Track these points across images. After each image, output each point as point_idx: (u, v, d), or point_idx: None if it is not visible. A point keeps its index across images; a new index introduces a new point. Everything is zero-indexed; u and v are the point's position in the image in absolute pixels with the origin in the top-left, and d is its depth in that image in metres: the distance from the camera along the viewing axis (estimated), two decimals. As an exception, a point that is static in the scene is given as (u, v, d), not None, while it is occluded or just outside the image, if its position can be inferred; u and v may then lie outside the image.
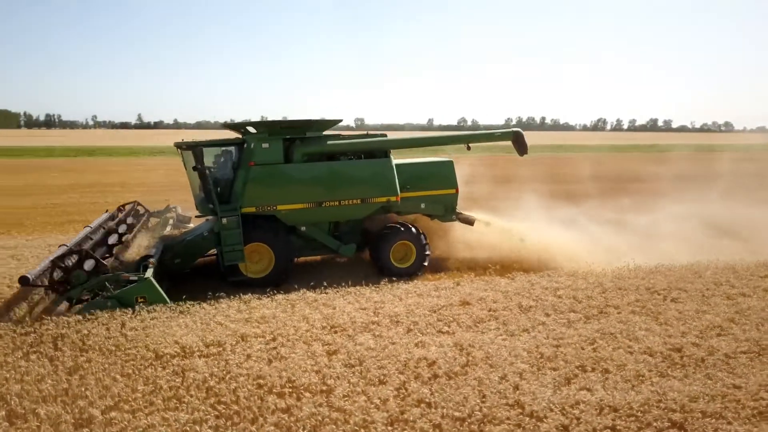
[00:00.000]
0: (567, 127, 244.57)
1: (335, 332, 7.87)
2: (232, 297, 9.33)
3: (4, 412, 5.82)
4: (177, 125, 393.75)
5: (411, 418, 5.63)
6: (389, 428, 5.52)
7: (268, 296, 9.44)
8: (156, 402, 5.99)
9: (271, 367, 6.76)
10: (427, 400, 5.98)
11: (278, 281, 10.54)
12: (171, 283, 9.87)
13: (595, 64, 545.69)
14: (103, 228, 11.00)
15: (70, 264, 8.73)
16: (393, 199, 11.36)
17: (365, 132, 12.31)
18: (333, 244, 11.60)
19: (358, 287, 9.96)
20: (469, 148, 12.62)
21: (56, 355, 7.11)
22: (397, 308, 8.77)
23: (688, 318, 8.43)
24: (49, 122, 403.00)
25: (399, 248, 11.39)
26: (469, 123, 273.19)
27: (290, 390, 6.23)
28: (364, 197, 11.19)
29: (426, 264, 11.62)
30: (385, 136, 11.82)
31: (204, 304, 9.00)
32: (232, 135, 12.05)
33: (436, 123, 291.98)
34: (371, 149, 11.58)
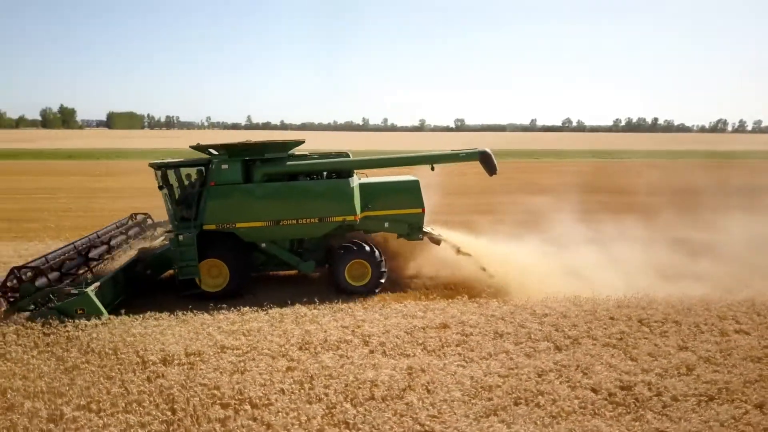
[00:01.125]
0: (682, 129, 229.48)
1: (305, 349, 8.45)
2: (232, 309, 10.19)
3: (-4, 405, 6.93)
4: (283, 126, 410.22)
5: (325, 437, 6.13)
6: (302, 445, 6.06)
7: (264, 310, 10.18)
8: (119, 404, 6.86)
9: (232, 379, 7.46)
10: (349, 421, 6.43)
11: (233, 295, 11.26)
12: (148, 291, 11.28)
13: (716, 60, 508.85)
14: (74, 245, 11.99)
15: (24, 277, 9.84)
16: (350, 218, 11.69)
17: (331, 152, 12.75)
18: (293, 261, 12.08)
19: (350, 304, 10.49)
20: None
21: (63, 356, 8.22)
22: (374, 328, 9.20)
23: (662, 354, 8.24)
24: (169, 123, 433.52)
25: (355, 267, 11.66)
26: (575, 123, 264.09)
27: (236, 402, 6.90)
28: (322, 216, 11.60)
29: (382, 281, 11.84)
30: (348, 156, 12.24)
31: (205, 315, 9.92)
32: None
33: (539, 123, 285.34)
34: (332, 169, 11.98)
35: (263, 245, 11.89)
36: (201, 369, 7.78)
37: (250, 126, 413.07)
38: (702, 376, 7.54)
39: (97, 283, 10.14)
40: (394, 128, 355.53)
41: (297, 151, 12.48)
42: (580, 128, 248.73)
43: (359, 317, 9.74)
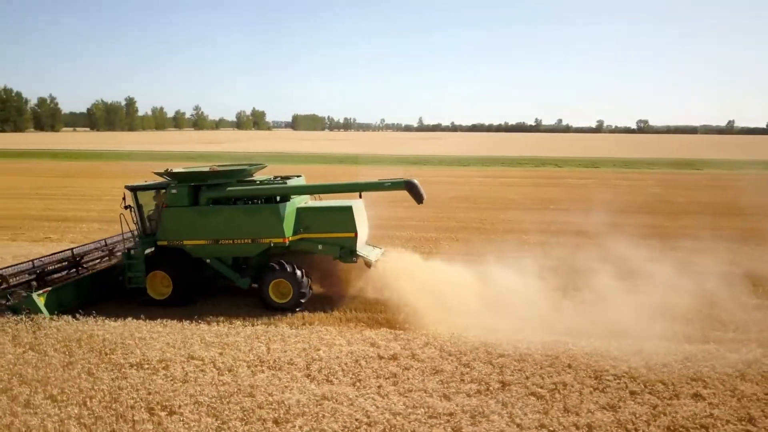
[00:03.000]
0: None
1: (252, 366, 9.44)
2: (235, 320, 11.65)
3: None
4: (453, 127, 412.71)
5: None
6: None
7: (254, 325, 11.38)
8: (77, 399, 8.39)
9: (173, 386, 8.69)
10: (227, 438, 7.32)
11: (178, 304, 12.79)
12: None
13: None
14: (72, 251, 14.07)
15: None
16: (279, 240, 12.64)
17: (291, 176, 13.96)
18: (233, 277, 13.18)
19: (330, 327, 11.27)
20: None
21: (70, 352, 10.10)
22: (326, 353, 9.89)
23: (582, 413, 7.93)
24: (347, 125, 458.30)
25: (278, 285, 12.55)
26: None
27: (161, 408, 8.11)
28: (254, 237, 12.74)
29: (303, 301, 12.62)
30: (285, 183, 13.28)
31: (202, 324, 11.36)
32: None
33: (738, 124, 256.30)
34: (268, 194, 13.00)
35: (208, 261, 13.19)
36: (159, 375, 9.13)
37: (422, 128, 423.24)
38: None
39: (48, 288, 12.18)
40: (568, 129, 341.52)
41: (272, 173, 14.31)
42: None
43: (326, 340, 10.48)
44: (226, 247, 13.02)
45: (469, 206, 30.57)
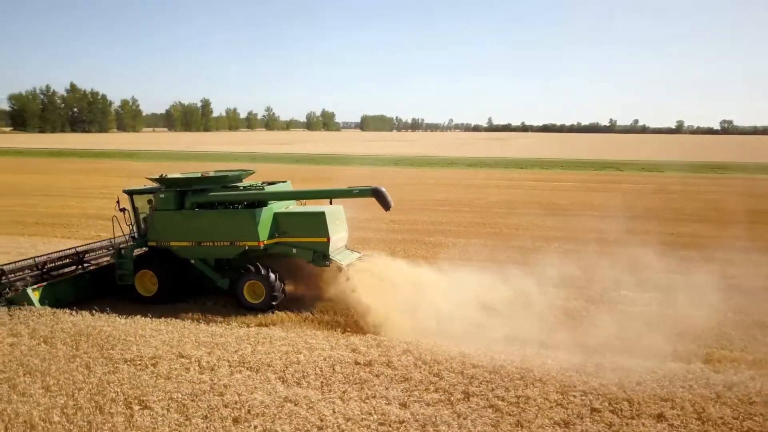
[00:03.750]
0: None
1: (234, 366, 9.92)
2: (233, 321, 12.28)
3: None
4: (524, 128, 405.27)
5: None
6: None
7: (250, 326, 11.92)
8: (68, 390, 9.09)
9: (155, 384, 9.26)
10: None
11: (164, 301, 13.66)
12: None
13: None
14: (75, 249, 15.21)
15: None
16: (254, 243, 13.24)
17: (276, 182, 14.74)
18: (214, 277, 13.97)
19: (318, 332, 11.64)
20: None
21: (77, 346, 10.92)
22: (305, 357, 10.23)
23: (533, 427, 7.93)
24: (415, 125, 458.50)
25: (252, 287, 13.26)
26: None
27: (137, 402, 8.69)
28: (232, 240, 13.44)
29: (274, 303, 13.18)
30: (263, 189, 13.80)
31: (204, 324, 12.00)
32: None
33: None
34: (246, 200, 13.70)
35: (192, 261, 13.98)
36: (147, 371, 9.76)
37: (491, 128, 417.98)
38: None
39: (43, 283, 13.37)
40: (645, 130, 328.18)
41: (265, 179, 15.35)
42: None
43: (310, 344, 10.84)
44: (208, 249, 13.79)
45: (509, 211, 30.27)
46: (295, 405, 8.54)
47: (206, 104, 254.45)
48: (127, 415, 8.31)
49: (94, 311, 12.73)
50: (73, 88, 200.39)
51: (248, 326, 12.00)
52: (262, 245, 13.33)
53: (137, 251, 14.30)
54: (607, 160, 73.86)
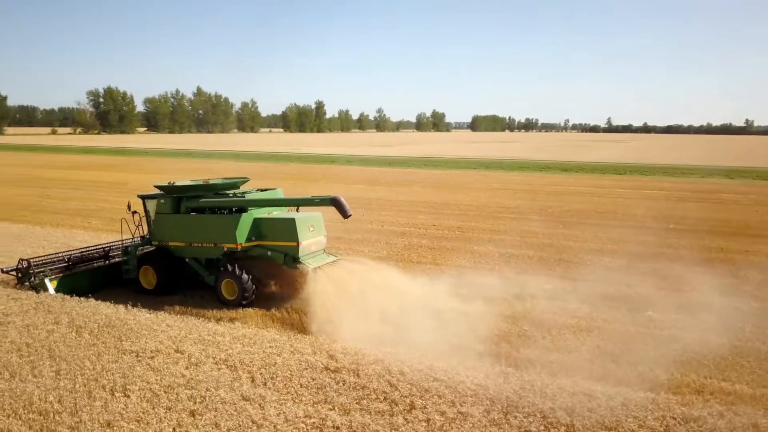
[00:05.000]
0: None
1: (217, 363, 10.86)
2: (238, 321, 13.33)
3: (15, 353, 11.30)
4: (646, 128, 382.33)
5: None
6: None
7: (255, 327, 12.89)
8: (71, 375, 10.38)
9: (143, 375, 10.36)
10: (139, 418, 8.83)
11: (161, 293, 15.44)
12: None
13: None
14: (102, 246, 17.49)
15: (24, 266, 15.67)
16: (232, 246, 14.58)
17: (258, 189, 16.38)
18: (203, 273, 15.44)
19: (308, 336, 12.33)
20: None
21: (101, 335, 12.40)
22: (283, 360, 10.95)
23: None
24: (528, 125, 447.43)
25: (228, 284, 14.58)
26: None
27: (121, 390, 9.83)
28: (215, 242, 14.90)
29: (245, 301, 14.41)
30: (243, 196, 15.32)
31: (213, 323, 13.10)
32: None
33: None
34: (229, 206, 15.10)
35: (187, 260, 15.55)
36: (143, 363, 10.93)
37: (610, 129, 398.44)
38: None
39: (60, 274, 15.63)
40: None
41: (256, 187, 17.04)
42: None
43: (294, 348, 11.59)
44: (197, 249, 15.38)
45: (578, 221, 29.37)
46: (249, 403, 9.30)
47: (320, 106, 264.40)
48: (107, 400, 9.46)
49: (129, 305, 14.28)
50: (199, 92, 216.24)
51: (250, 327, 12.92)
52: (239, 247, 14.63)
53: (141, 249, 16.22)
54: (728, 167, 68.39)
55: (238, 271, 14.42)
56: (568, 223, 28.80)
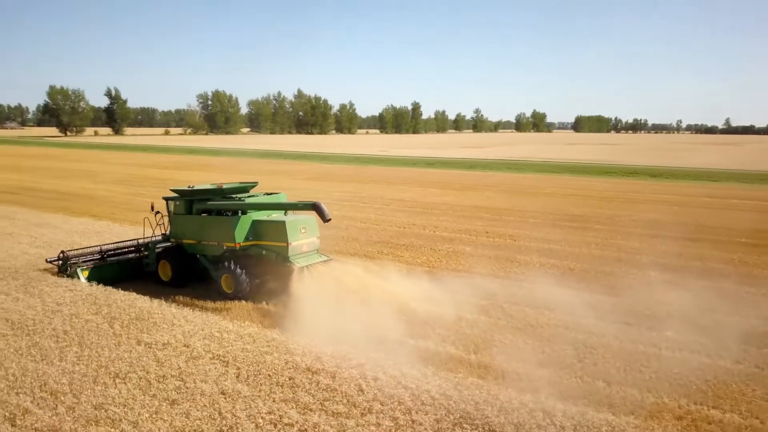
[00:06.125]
0: None
1: (213, 359, 11.82)
2: (247, 320, 14.26)
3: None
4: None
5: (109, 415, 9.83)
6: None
7: (260, 326, 13.79)
8: (88, 362, 11.66)
9: (146, 365, 11.51)
10: (126, 404, 9.90)
11: (176, 285, 17.24)
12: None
13: None
14: (137, 241, 19.49)
15: (63, 256, 17.81)
16: (231, 245, 16.13)
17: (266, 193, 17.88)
18: (210, 268, 16.93)
19: (305, 339, 12.99)
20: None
21: (128, 326, 13.77)
22: (273, 359, 11.69)
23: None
24: (636, 126, 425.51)
25: (227, 279, 16.14)
26: None
27: (121, 378, 11.01)
28: (218, 241, 16.53)
29: (240, 294, 15.84)
30: (243, 200, 16.59)
31: (227, 322, 14.09)
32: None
33: None
34: (231, 209, 16.48)
35: (198, 256, 17.20)
36: (151, 354, 12.09)
37: (728, 130, 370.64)
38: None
39: (91, 265, 17.72)
40: None
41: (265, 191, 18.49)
42: None
43: (289, 349, 12.32)
44: (204, 246, 17.06)
45: (645, 231, 28.16)
46: (224, 397, 10.15)
47: (416, 107, 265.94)
48: (107, 386, 10.66)
49: (162, 299, 15.69)
50: (299, 94, 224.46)
51: (256, 327, 13.82)
52: (238, 246, 16.15)
53: (160, 245, 18.07)
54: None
55: (233, 267, 15.92)
56: (630, 233, 27.68)
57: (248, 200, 16.77)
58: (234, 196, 17.08)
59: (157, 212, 18.15)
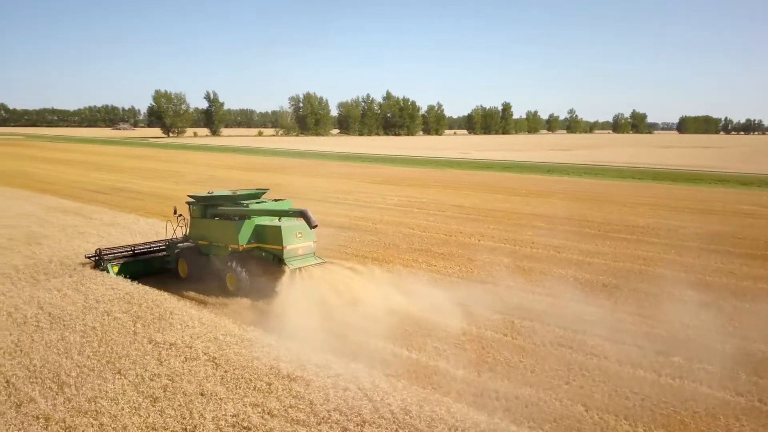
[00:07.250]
0: None
1: (207, 361, 12.67)
2: (252, 325, 15.02)
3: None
4: None
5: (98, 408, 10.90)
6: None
7: (262, 331, 14.54)
8: (99, 355, 12.93)
9: (146, 363, 12.53)
10: (114, 398, 10.92)
11: (194, 280, 18.72)
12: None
13: None
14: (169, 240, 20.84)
15: (98, 253, 19.79)
16: (235, 247, 17.58)
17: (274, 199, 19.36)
18: (220, 267, 18.12)
19: (303, 346, 13.57)
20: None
21: (148, 325, 14.99)
22: (262, 363, 12.37)
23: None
24: (748, 127, 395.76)
25: (231, 277, 17.75)
26: None
27: (122, 372, 12.10)
28: (225, 243, 18.01)
29: (240, 289, 17.33)
30: (247, 206, 18.02)
31: (235, 326, 14.97)
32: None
33: None
34: (237, 214, 17.80)
35: (210, 256, 18.67)
36: (155, 353, 13.09)
37: None
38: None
39: (120, 261, 19.63)
40: None
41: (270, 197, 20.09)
42: None
43: (281, 357, 12.97)
44: (215, 247, 18.66)
45: (700, 246, 26.50)
46: (201, 398, 10.93)
47: (506, 107, 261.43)
48: (105, 380, 11.78)
49: (191, 301, 16.95)
50: (388, 96, 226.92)
51: (260, 331, 14.60)
52: (241, 248, 17.61)
53: (180, 245, 19.72)
54: None
55: (236, 267, 17.45)
56: (687, 247, 26.17)
57: (252, 206, 18.09)
58: (243, 202, 18.47)
59: (180, 215, 20.27)
